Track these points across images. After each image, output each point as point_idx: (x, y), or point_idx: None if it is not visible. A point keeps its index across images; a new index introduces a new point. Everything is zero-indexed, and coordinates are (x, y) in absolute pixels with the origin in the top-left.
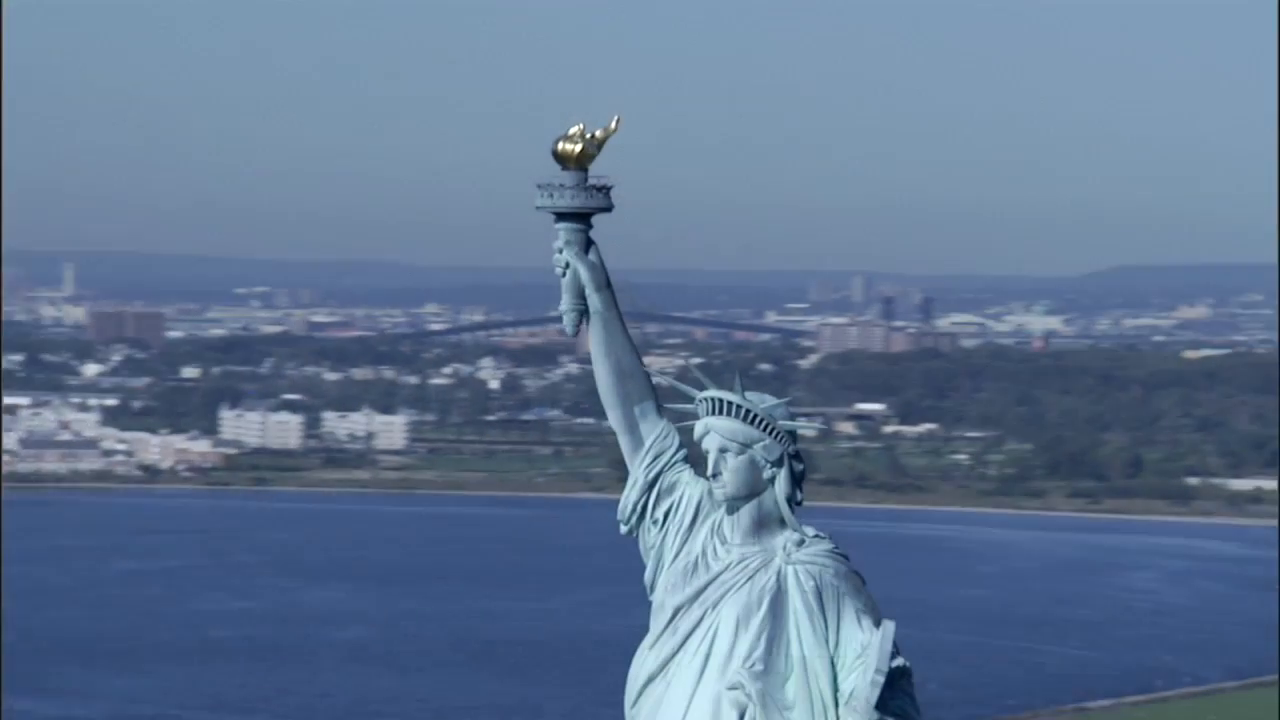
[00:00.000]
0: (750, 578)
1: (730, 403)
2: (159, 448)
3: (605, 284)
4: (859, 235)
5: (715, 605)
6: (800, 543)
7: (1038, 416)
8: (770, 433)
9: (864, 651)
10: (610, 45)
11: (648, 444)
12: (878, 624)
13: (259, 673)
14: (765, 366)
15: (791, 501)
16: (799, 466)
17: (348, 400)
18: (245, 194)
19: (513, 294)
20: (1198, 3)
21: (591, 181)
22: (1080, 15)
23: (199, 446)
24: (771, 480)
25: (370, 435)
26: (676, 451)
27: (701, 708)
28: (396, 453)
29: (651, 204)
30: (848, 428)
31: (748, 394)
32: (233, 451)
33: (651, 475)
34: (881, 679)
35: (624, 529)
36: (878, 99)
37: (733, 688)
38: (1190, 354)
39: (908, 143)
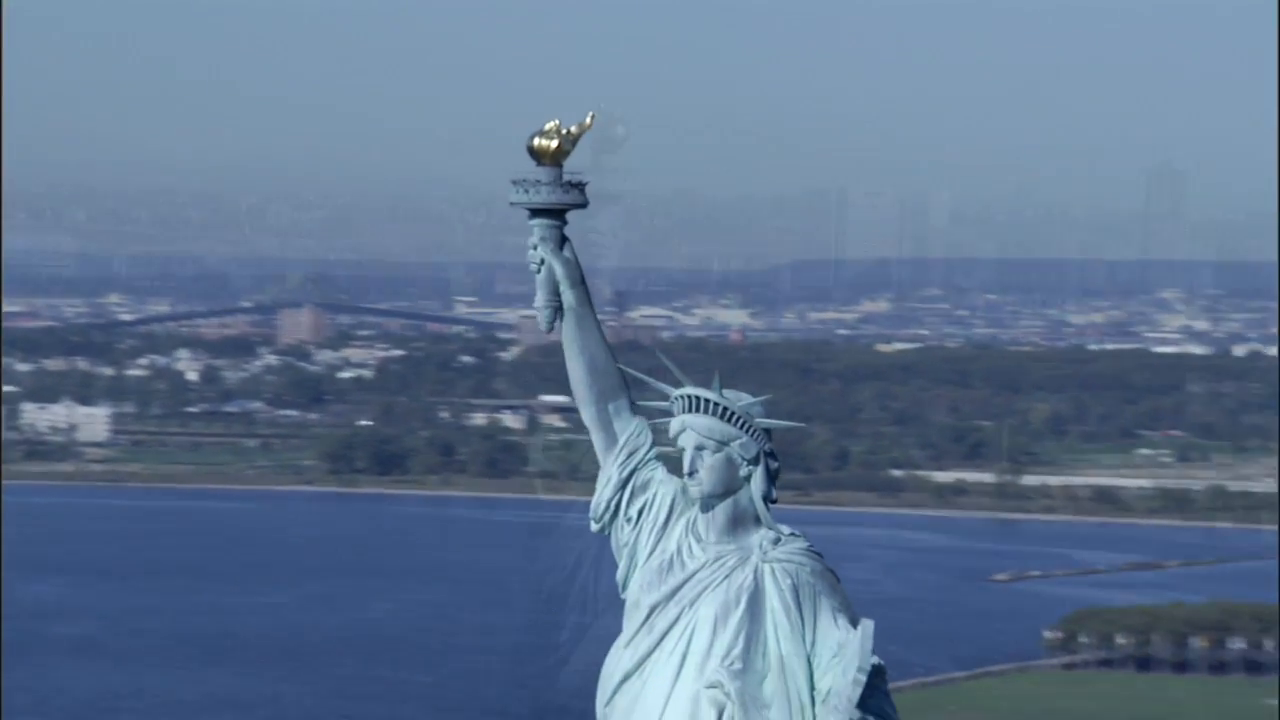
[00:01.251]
0: (727, 576)
1: (708, 400)
2: None
3: (580, 280)
4: None
5: (692, 603)
6: (776, 540)
7: None
8: (747, 430)
9: (840, 650)
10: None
11: (621, 441)
12: (854, 622)
13: None
14: (466, 359)
15: (767, 500)
16: (774, 464)
17: (44, 391)
18: None
19: (196, 284)
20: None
21: (567, 177)
22: (773, 5)
23: None
24: (747, 478)
25: (72, 427)
26: (650, 449)
27: (679, 706)
28: (100, 445)
29: (329, 192)
30: (554, 420)
31: (725, 391)
32: None
33: (625, 473)
34: (864, 678)
35: (596, 527)
36: (540, 82)
37: (711, 686)
38: (883, 348)
39: None
